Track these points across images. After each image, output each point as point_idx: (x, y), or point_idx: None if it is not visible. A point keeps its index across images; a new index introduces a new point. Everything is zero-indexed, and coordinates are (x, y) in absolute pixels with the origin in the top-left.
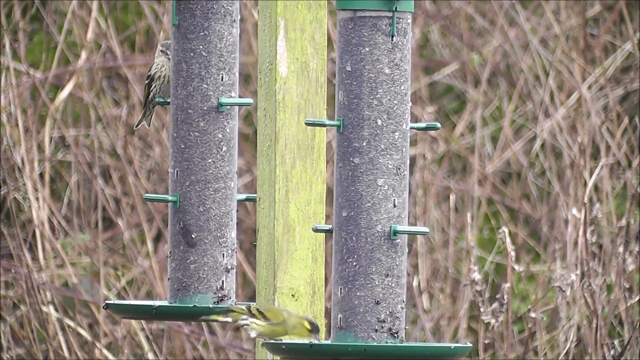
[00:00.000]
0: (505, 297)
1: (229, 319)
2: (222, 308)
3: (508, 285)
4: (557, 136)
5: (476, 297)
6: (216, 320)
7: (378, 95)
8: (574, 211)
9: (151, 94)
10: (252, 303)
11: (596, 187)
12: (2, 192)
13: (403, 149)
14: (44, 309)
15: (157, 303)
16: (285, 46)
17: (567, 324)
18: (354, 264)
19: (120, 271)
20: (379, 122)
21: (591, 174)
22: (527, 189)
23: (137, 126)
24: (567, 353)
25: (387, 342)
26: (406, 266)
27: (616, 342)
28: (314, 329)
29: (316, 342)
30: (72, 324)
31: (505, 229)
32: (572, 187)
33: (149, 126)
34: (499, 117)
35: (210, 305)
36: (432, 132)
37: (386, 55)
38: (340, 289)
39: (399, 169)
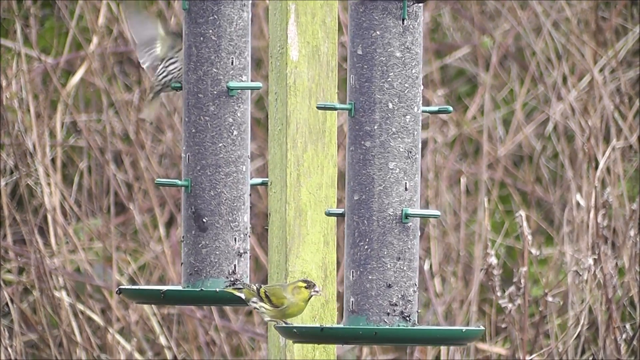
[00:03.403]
0: (522, 281)
1: (242, 295)
2: (230, 291)
3: (525, 269)
4: (569, 119)
5: (493, 282)
6: (231, 294)
7: (389, 79)
8: (578, 197)
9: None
10: (260, 285)
11: (608, 170)
12: (14, 178)
13: (414, 132)
14: (56, 294)
15: (166, 288)
16: (296, 30)
17: (580, 307)
18: (366, 247)
19: (133, 256)
20: (390, 105)
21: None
22: (539, 172)
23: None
24: (578, 336)
25: (398, 326)
26: (418, 249)
27: (628, 325)
28: (309, 284)
29: (318, 293)
30: (84, 309)
31: (522, 213)
32: (584, 170)
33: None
34: (511, 100)
35: (218, 290)
36: (443, 116)
37: (397, 39)
38: (352, 272)
39: (411, 152)
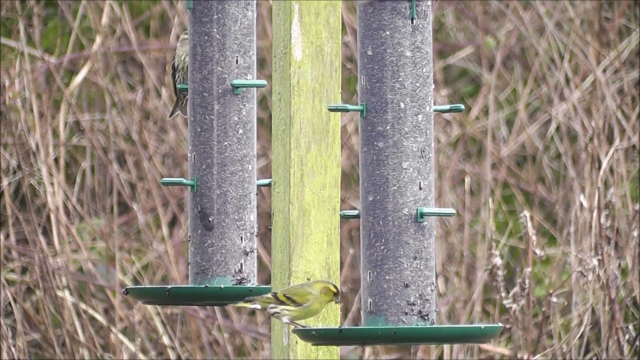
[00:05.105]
0: (527, 281)
1: (258, 306)
2: (234, 288)
3: (529, 269)
4: (572, 119)
5: (497, 282)
6: (244, 307)
7: (400, 79)
8: (581, 197)
9: (177, 83)
10: (273, 290)
11: (611, 171)
12: (17, 177)
13: (427, 131)
14: (59, 293)
15: (171, 286)
16: (300, 30)
17: (583, 307)
18: (382, 248)
19: (136, 256)
20: (402, 105)
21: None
22: (542, 172)
23: (170, 116)
24: (582, 336)
25: (417, 325)
26: (434, 248)
27: (631, 326)
28: (337, 293)
29: (338, 303)
30: (87, 308)
31: (526, 214)
32: (587, 170)
33: (185, 115)
34: (514, 100)
35: (222, 286)
36: (447, 116)
37: (407, 39)
38: (369, 273)
39: (424, 151)
